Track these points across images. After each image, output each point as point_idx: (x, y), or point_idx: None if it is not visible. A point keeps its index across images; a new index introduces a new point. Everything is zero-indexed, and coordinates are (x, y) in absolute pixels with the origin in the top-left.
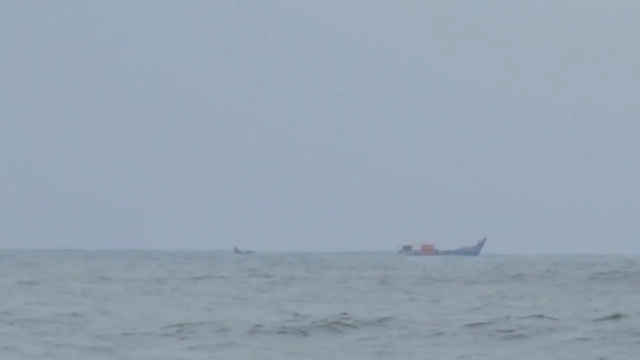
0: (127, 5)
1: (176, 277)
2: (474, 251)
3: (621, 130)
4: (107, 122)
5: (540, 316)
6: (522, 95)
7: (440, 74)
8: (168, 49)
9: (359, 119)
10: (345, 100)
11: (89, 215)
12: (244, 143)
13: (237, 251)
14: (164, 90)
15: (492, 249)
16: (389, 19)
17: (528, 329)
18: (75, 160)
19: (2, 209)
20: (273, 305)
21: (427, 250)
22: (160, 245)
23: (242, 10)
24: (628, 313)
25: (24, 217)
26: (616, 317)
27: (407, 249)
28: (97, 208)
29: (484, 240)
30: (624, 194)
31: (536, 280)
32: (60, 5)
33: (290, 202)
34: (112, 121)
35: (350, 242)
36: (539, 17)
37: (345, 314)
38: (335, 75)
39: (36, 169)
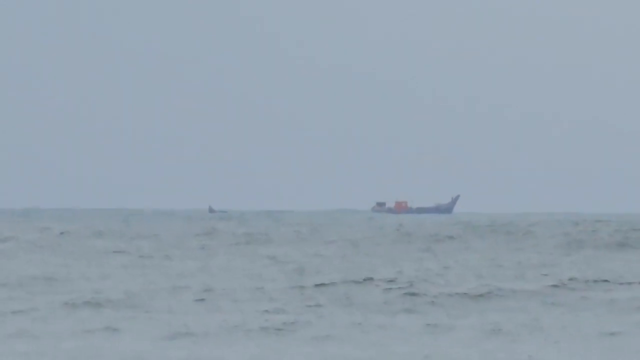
0: None
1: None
2: (448, 208)
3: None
4: (80, 84)
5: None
6: (500, 58)
7: (412, 37)
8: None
9: (330, 80)
10: (313, 62)
11: (64, 174)
12: (220, 108)
13: (211, 210)
14: (139, 52)
15: (467, 208)
16: None
17: None
18: (50, 121)
19: None
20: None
21: (401, 207)
22: (137, 204)
23: None
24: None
25: None
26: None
27: (380, 205)
28: (75, 168)
29: (458, 197)
30: (591, 154)
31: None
32: None
33: (266, 162)
34: (86, 83)
35: (324, 200)
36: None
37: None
38: (301, 37)
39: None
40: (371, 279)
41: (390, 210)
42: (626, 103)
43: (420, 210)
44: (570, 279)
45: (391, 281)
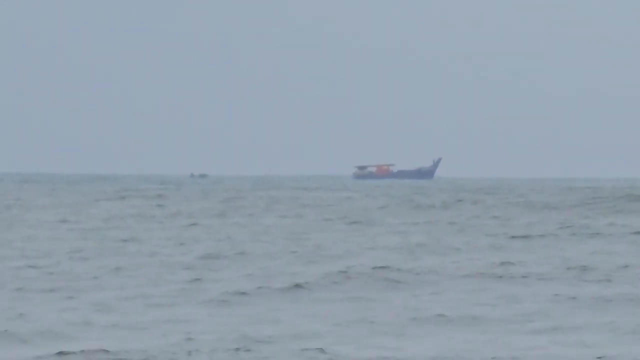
0: None
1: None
2: (429, 171)
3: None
4: (67, 45)
5: None
6: (486, 21)
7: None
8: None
9: (314, 45)
10: (298, 26)
11: (43, 139)
12: (201, 72)
13: (192, 175)
14: (123, 17)
15: (448, 172)
16: None
17: None
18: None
19: None
20: None
21: (382, 171)
22: (117, 170)
23: None
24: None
25: None
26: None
27: (361, 169)
28: (56, 133)
29: (439, 160)
30: (583, 120)
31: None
32: None
33: (245, 127)
34: (72, 45)
35: (305, 165)
36: None
37: None
38: (306, 9)
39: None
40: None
41: (371, 175)
42: (616, 71)
43: (402, 174)
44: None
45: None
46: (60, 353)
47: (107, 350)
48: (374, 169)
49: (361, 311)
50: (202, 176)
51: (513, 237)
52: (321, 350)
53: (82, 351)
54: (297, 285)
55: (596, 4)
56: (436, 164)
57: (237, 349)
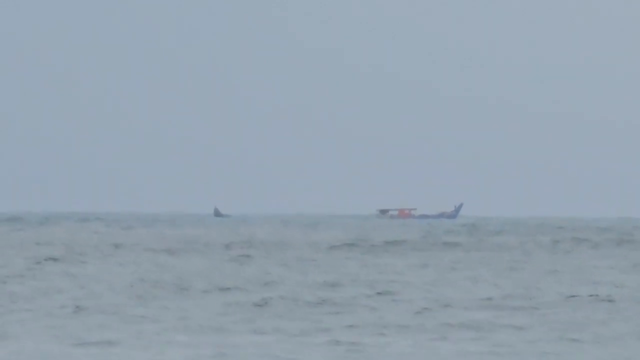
0: None
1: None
2: (452, 216)
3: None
4: (90, 80)
5: None
6: (503, 57)
7: (427, 34)
8: (153, 12)
9: (339, 81)
10: (324, 61)
11: (66, 177)
12: (226, 107)
13: (217, 214)
14: (146, 50)
15: (471, 212)
16: None
17: None
18: (52, 118)
19: None
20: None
21: (405, 214)
22: (134, 208)
23: None
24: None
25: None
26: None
27: (383, 212)
28: (78, 169)
29: (461, 205)
30: (594, 155)
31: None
32: None
33: (269, 165)
34: (95, 80)
35: (328, 205)
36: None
37: None
38: (316, 34)
39: (20, 125)
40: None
41: (393, 218)
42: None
43: (424, 218)
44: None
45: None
46: None
47: None
48: (395, 213)
49: None
50: (227, 215)
51: None
52: None
53: None
54: None
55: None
56: (458, 209)
57: None
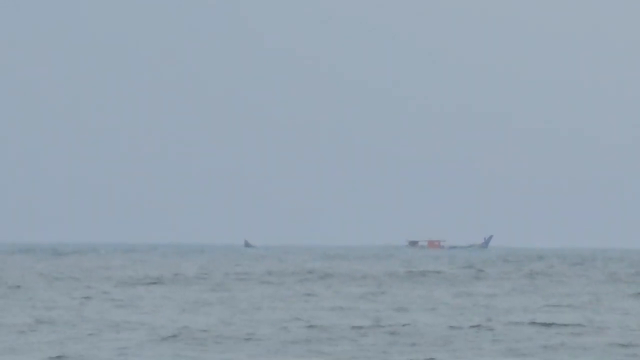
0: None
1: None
2: (481, 248)
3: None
4: (110, 113)
5: None
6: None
7: (459, 62)
8: (168, 41)
9: (367, 109)
10: (351, 88)
11: (89, 207)
12: (252, 137)
13: (247, 245)
14: (169, 82)
15: (502, 242)
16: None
17: None
18: (75, 151)
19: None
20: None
21: (434, 246)
22: (156, 239)
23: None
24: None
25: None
26: None
27: (412, 244)
28: (102, 200)
29: (490, 237)
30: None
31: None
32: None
33: (297, 195)
34: (115, 113)
35: (359, 236)
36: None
37: None
38: (340, 61)
39: (40, 159)
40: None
41: (423, 249)
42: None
43: (454, 249)
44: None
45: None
46: None
47: None
48: (425, 244)
49: None
50: (253, 247)
51: None
52: None
53: None
54: None
55: None
56: (487, 241)
57: None
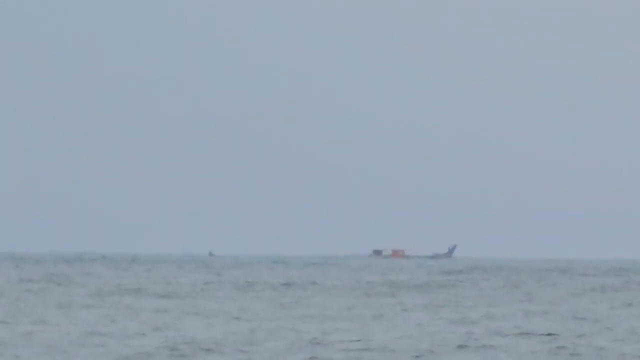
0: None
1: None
2: (445, 257)
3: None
4: (77, 121)
5: None
6: (504, 101)
7: (422, 79)
8: (155, 55)
9: (334, 123)
10: (316, 101)
11: (47, 215)
12: (220, 147)
13: (211, 255)
14: (136, 94)
15: (465, 253)
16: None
17: None
18: (29, 156)
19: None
20: None
21: (398, 255)
22: (126, 249)
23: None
24: None
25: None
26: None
27: (377, 253)
28: (61, 209)
29: (454, 246)
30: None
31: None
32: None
33: (261, 205)
34: (83, 120)
35: (322, 246)
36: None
37: None
38: (317, 78)
39: (27, 171)
40: None
41: (386, 258)
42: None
43: (417, 258)
44: None
45: None
46: None
47: None
48: (389, 253)
49: None
50: (217, 257)
51: None
52: None
53: None
54: None
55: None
56: (451, 250)
57: None
